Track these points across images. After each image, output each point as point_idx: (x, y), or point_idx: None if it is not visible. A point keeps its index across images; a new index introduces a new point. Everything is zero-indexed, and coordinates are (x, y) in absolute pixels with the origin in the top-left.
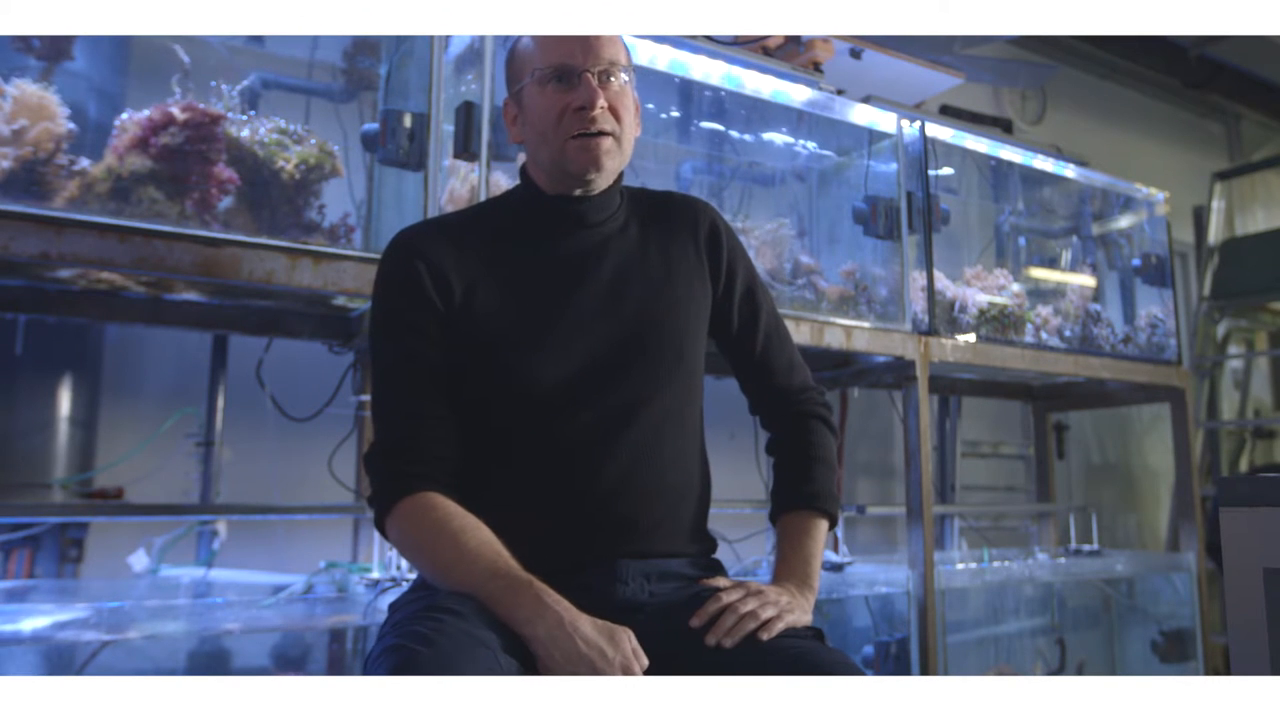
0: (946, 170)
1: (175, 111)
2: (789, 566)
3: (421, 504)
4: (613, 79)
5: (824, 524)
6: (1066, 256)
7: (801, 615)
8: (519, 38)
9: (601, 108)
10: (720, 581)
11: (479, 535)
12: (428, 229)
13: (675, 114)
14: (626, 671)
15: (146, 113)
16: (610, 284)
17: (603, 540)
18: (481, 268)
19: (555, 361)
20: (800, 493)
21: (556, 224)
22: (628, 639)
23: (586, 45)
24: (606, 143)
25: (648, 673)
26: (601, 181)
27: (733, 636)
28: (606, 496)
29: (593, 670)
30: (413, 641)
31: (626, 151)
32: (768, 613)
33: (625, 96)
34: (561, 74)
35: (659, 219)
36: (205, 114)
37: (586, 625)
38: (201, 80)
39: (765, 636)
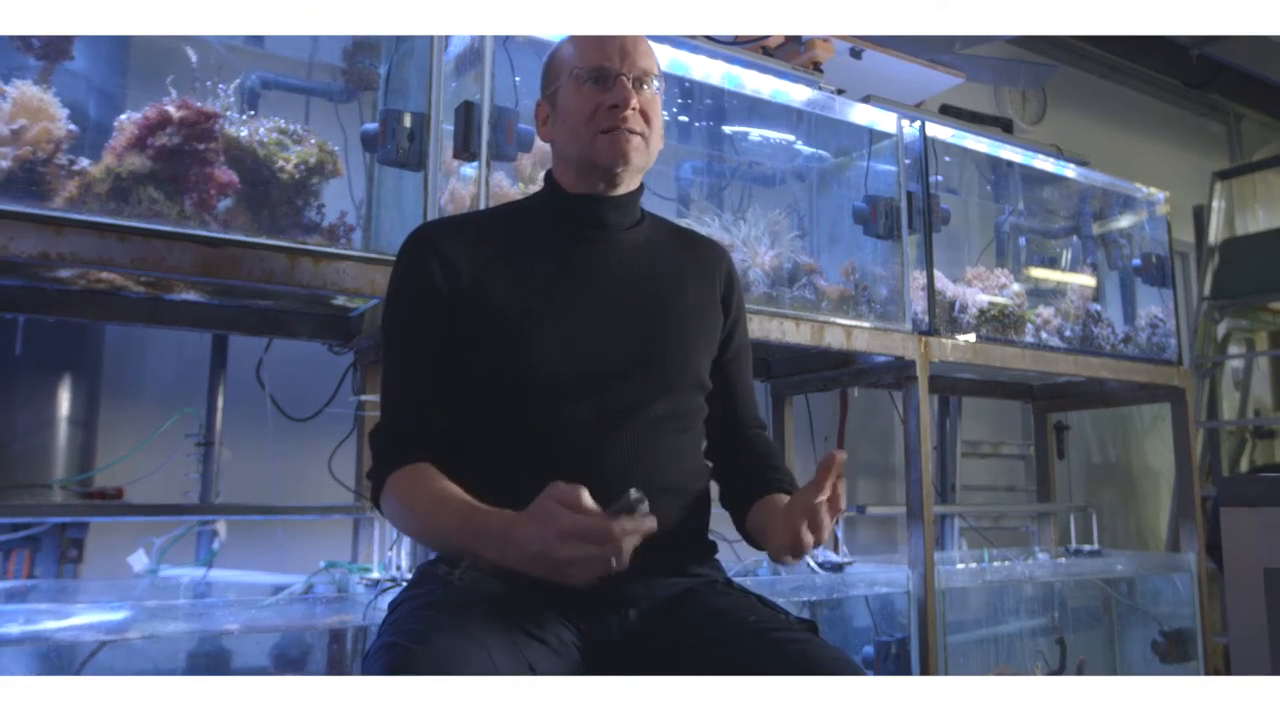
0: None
1: (171, 110)
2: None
3: (409, 473)
4: (646, 86)
5: None
6: (1067, 256)
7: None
8: (559, 42)
9: (633, 109)
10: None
11: (456, 490)
12: (446, 224)
13: (676, 114)
14: (618, 556)
15: (143, 111)
16: (625, 288)
17: None
18: (495, 261)
19: (561, 356)
20: (774, 481)
21: (575, 223)
22: (618, 526)
23: (624, 51)
24: (635, 140)
25: (647, 672)
26: (626, 179)
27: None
28: (601, 489)
29: (589, 570)
30: (407, 639)
31: (652, 154)
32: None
33: (655, 104)
34: (598, 75)
35: (684, 247)
36: (201, 112)
37: (563, 548)
38: (200, 79)
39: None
